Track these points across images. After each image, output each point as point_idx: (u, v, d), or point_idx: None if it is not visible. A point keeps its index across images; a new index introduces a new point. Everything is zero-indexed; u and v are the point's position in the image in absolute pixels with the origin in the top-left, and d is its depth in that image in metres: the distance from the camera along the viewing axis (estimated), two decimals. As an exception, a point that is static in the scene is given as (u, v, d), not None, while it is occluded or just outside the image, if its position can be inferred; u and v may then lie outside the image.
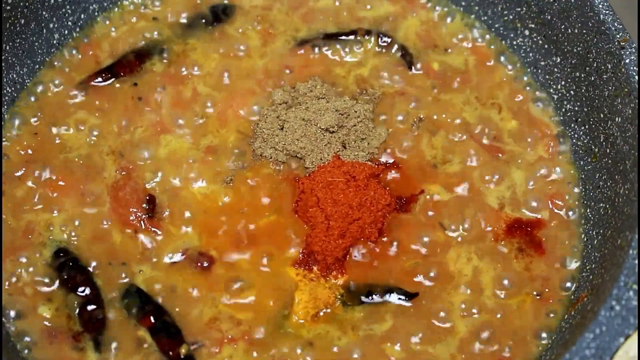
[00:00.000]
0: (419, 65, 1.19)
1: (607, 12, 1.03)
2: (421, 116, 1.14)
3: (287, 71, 1.17)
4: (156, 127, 1.12)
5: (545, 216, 1.07)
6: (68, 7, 1.18)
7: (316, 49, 1.19)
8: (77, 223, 1.04)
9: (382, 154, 1.11)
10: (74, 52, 1.18)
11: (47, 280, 1.00)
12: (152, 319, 0.97)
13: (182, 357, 0.95)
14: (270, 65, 1.18)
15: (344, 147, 1.10)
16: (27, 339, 0.96)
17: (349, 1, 1.25)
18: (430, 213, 1.06)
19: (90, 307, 0.97)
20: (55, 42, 1.17)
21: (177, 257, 1.02)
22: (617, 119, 1.01)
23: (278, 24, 1.22)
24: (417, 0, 1.25)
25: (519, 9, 1.19)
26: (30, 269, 1.00)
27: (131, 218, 1.04)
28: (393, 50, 1.20)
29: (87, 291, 0.98)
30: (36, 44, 1.15)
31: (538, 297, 1.01)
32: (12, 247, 1.02)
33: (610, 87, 1.03)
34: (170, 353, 0.95)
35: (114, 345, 0.96)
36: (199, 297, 1.00)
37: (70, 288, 0.99)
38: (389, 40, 1.20)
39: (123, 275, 1.01)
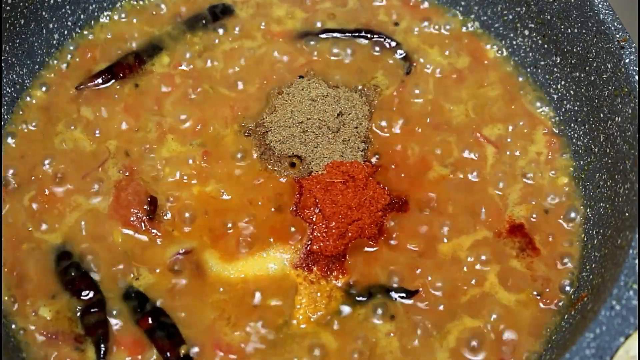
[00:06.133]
0: (416, 66, 1.19)
1: (606, 11, 1.03)
2: (420, 116, 1.14)
3: (287, 71, 1.17)
4: (158, 127, 1.12)
5: (545, 216, 1.07)
6: (68, 7, 1.18)
7: (315, 52, 1.19)
8: (78, 224, 1.04)
9: (382, 153, 1.11)
10: (73, 52, 1.18)
11: (48, 282, 0.99)
12: (150, 320, 0.97)
13: (181, 357, 0.94)
14: (271, 64, 1.18)
15: (342, 147, 1.10)
16: (27, 339, 0.96)
17: (351, 1, 1.25)
18: (430, 212, 1.06)
19: (93, 311, 0.97)
20: (55, 42, 1.17)
21: (177, 259, 1.02)
22: (617, 119, 1.01)
23: (278, 22, 1.22)
24: (417, 1, 1.25)
25: (519, 9, 1.19)
26: (31, 270, 1.00)
27: (132, 219, 1.04)
28: (392, 52, 1.20)
29: (91, 295, 0.98)
30: (36, 44, 1.15)
31: (538, 297, 1.01)
32: (12, 247, 1.02)
33: (610, 87, 1.03)
34: (168, 354, 0.95)
35: (114, 347, 0.96)
36: (199, 300, 1.00)
37: (74, 292, 0.98)
38: (394, 43, 1.20)
39: (122, 277, 1.00)
